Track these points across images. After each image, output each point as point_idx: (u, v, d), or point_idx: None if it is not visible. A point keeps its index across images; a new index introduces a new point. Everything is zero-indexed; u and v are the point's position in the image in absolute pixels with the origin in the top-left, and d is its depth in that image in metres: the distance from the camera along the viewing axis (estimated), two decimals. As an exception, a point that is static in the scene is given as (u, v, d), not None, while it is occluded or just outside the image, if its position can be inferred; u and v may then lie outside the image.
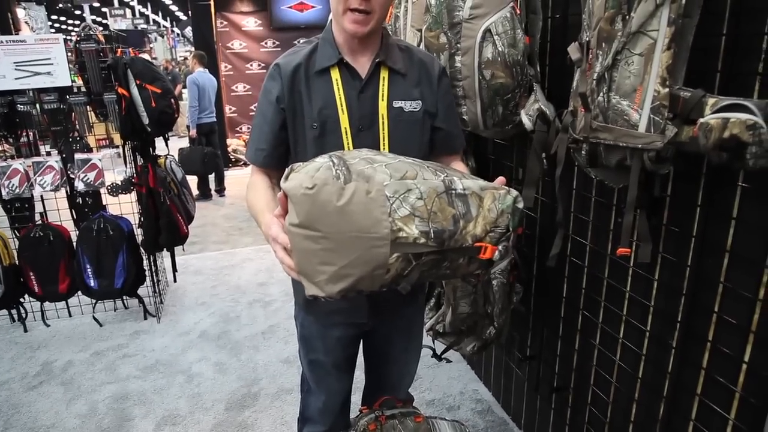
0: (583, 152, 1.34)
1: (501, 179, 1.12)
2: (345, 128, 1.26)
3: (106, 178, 3.13)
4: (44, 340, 3.21)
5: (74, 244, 3.14)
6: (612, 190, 1.53)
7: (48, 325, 3.35)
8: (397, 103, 1.29)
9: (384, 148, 1.28)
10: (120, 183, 3.18)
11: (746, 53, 1.13)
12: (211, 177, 6.50)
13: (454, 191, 1.00)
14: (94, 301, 3.30)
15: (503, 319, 1.93)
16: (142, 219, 3.29)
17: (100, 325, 3.36)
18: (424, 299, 1.67)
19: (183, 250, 4.01)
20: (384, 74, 1.29)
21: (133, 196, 3.27)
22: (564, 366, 1.94)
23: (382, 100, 1.29)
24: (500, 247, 1.02)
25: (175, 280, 3.99)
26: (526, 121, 1.57)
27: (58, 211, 3.25)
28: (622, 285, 1.58)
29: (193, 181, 5.21)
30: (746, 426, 1.22)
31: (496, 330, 1.93)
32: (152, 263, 3.41)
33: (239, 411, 2.52)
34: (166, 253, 3.77)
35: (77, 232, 3.14)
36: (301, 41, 1.37)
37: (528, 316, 2.13)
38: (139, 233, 3.32)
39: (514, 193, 1.06)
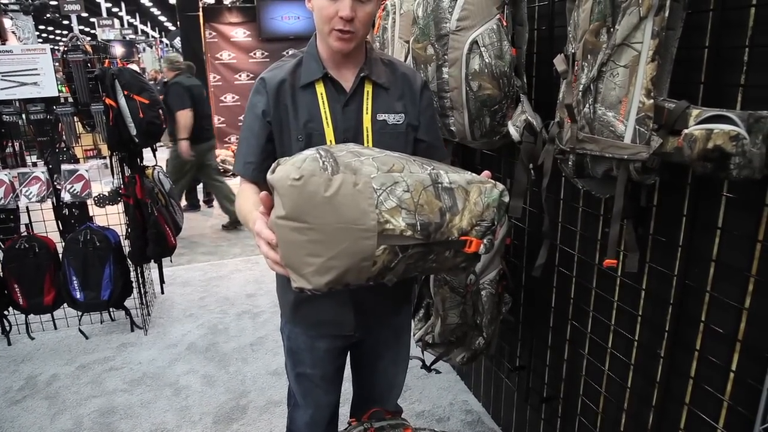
0: (569, 163, 1.35)
1: (486, 173, 1.13)
2: (330, 141, 1.27)
3: (93, 189, 3.10)
4: (29, 353, 3.16)
5: (60, 255, 3.10)
6: (599, 200, 1.54)
7: (33, 338, 3.29)
8: (380, 117, 1.31)
9: None
10: (107, 194, 3.15)
11: (729, 65, 1.14)
12: (200, 187, 6.47)
13: (440, 185, 1.00)
14: (80, 313, 3.26)
15: (492, 330, 1.93)
16: (129, 230, 3.26)
17: (86, 338, 3.31)
18: (410, 310, 1.67)
19: (171, 261, 3.97)
20: (368, 88, 1.31)
21: (121, 207, 3.24)
22: (553, 376, 1.94)
23: (367, 113, 1.30)
24: (485, 241, 1.03)
25: (162, 292, 3.95)
26: (513, 132, 1.58)
27: (44, 223, 3.20)
28: (610, 294, 1.59)
29: (181, 191, 5.17)
30: (734, 435, 1.23)
31: (485, 340, 1.93)
32: (139, 275, 3.37)
33: (227, 424, 2.49)
34: (153, 265, 3.73)
35: (63, 243, 3.10)
36: (291, 52, 1.38)
37: (517, 327, 2.14)
38: (126, 244, 3.29)
39: (500, 186, 1.07)
